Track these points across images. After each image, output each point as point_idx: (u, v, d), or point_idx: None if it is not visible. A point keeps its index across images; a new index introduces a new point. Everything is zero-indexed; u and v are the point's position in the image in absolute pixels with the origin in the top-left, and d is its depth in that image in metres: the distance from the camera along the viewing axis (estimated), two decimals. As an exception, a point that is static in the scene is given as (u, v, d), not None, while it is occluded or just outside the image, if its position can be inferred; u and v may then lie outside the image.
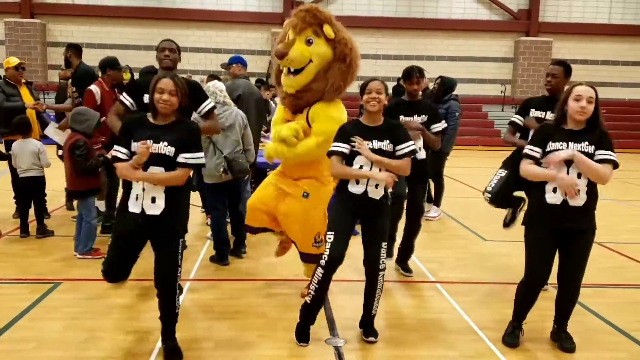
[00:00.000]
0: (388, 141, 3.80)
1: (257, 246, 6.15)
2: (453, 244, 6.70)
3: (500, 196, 4.93)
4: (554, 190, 3.67)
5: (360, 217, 3.90)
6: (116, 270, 3.67)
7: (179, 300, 3.61)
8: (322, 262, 3.78)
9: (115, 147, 3.47)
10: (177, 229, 3.50)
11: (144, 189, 3.40)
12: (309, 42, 4.34)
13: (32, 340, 3.80)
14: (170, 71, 4.68)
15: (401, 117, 5.08)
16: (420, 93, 5.47)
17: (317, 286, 3.83)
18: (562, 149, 3.64)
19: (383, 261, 3.86)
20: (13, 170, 6.75)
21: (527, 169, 3.78)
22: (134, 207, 3.43)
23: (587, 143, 3.65)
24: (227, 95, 5.75)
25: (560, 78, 4.73)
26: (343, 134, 3.82)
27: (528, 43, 23.70)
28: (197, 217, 7.42)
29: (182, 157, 3.41)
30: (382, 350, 3.85)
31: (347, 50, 4.37)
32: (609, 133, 3.76)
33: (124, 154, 3.43)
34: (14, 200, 7.30)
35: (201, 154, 3.50)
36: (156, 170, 3.38)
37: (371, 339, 3.92)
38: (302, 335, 3.91)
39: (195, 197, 7.05)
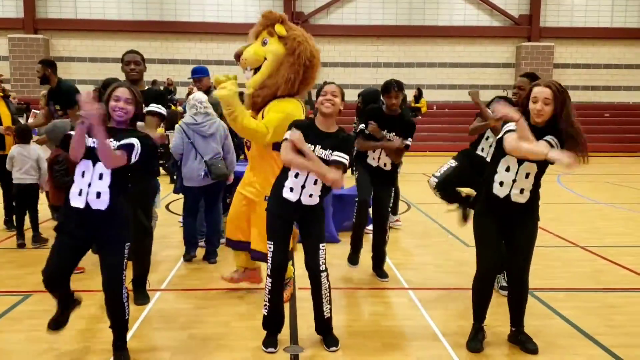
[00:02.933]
0: (330, 151, 3.77)
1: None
2: (435, 250, 6.67)
3: (446, 185, 5.02)
4: (501, 184, 3.72)
5: (297, 221, 3.93)
6: (57, 276, 3.52)
7: (128, 307, 3.61)
8: (268, 271, 3.85)
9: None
10: (118, 233, 3.50)
11: (89, 184, 3.42)
12: (264, 43, 4.64)
13: (-9, 352, 3.84)
14: (136, 83, 4.75)
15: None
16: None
17: (269, 296, 3.89)
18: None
19: (323, 262, 3.86)
20: (3, 178, 6.79)
21: (509, 141, 3.62)
22: (77, 202, 3.42)
23: (551, 137, 3.62)
24: (211, 106, 6.03)
25: (526, 90, 4.73)
26: (294, 127, 3.81)
27: (530, 48, 23.63)
28: (175, 228, 7.43)
29: (121, 141, 3.45)
30: (339, 358, 3.82)
31: (296, 44, 4.56)
32: (581, 134, 3.65)
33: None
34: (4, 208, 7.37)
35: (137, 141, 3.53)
36: (101, 166, 3.42)
37: (333, 348, 3.90)
38: (269, 343, 3.91)
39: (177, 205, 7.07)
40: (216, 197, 6.14)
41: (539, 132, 3.64)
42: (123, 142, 3.43)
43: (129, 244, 3.54)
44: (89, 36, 22.83)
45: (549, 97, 3.60)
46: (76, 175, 3.46)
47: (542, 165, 3.70)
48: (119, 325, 3.61)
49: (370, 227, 7.36)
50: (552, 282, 5.42)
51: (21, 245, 6.51)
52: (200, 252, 6.18)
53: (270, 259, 3.84)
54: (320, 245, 3.85)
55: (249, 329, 4.21)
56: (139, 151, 3.46)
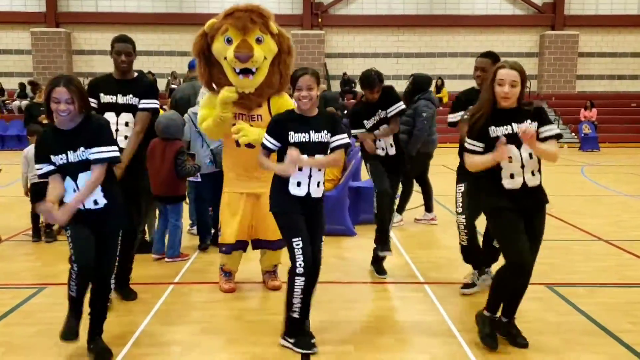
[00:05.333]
0: (326, 131, 3.74)
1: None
2: (451, 244, 6.52)
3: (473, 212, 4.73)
4: (512, 176, 3.60)
5: (305, 215, 3.79)
6: (91, 259, 3.47)
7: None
8: (300, 270, 3.63)
9: (37, 166, 3.47)
10: (117, 222, 3.59)
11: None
12: (258, 41, 4.51)
13: (1, 346, 3.82)
14: (125, 74, 4.55)
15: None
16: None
17: (302, 297, 3.68)
18: (508, 132, 3.56)
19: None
20: None
21: (472, 161, 3.67)
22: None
23: (529, 121, 3.57)
24: None
25: (489, 71, 4.58)
26: (277, 127, 3.73)
27: (554, 37, 23.24)
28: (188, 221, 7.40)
29: (95, 154, 3.41)
30: (351, 354, 3.74)
31: (289, 41, 4.64)
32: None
33: (49, 166, 3.44)
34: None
35: (113, 147, 3.49)
36: (85, 177, 3.42)
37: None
38: (305, 344, 3.74)
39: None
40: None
41: (513, 114, 3.58)
42: (94, 157, 3.41)
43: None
44: (109, 29, 22.88)
45: (516, 79, 3.54)
46: (66, 192, 3.47)
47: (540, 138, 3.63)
48: (104, 313, 3.68)
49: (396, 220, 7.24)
50: (573, 277, 5.27)
51: (36, 241, 6.53)
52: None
53: (301, 256, 3.63)
54: (322, 237, 3.86)
55: (261, 324, 4.16)
56: (113, 154, 3.48)
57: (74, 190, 3.43)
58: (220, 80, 4.66)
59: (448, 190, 8.11)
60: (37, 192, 6.42)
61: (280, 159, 3.74)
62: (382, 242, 5.27)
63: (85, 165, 3.42)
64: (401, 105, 5.28)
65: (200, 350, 3.78)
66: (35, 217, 6.55)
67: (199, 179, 6.18)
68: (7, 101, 21.82)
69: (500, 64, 3.64)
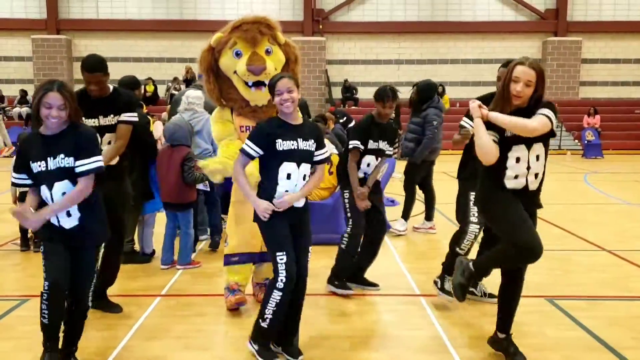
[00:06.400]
0: (312, 140, 3.62)
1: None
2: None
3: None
4: (516, 177, 3.44)
5: (290, 225, 3.64)
6: (63, 276, 3.30)
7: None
8: (280, 285, 3.49)
9: (15, 175, 3.34)
10: (93, 237, 3.46)
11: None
12: (267, 52, 4.45)
13: (-24, 361, 3.68)
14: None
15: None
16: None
17: (275, 309, 3.53)
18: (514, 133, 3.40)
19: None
20: None
21: (477, 143, 3.42)
22: (52, 219, 3.33)
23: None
24: (199, 103, 6.08)
25: None
26: (263, 134, 3.57)
27: (556, 43, 23.10)
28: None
29: (82, 165, 3.27)
30: (340, 371, 3.59)
31: (296, 51, 4.59)
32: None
33: (25, 179, 3.32)
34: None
35: (98, 157, 3.34)
36: (60, 186, 3.26)
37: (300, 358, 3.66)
38: (267, 356, 3.63)
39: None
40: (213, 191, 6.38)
41: (527, 114, 3.38)
42: (81, 169, 3.27)
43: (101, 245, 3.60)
44: (110, 36, 22.94)
45: (532, 79, 3.34)
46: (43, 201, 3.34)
47: (546, 143, 3.47)
48: (79, 331, 3.53)
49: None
50: (574, 289, 5.09)
51: (25, 250, 6.39)
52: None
53: (284, 272, 3.49)
54: (309, 248, 3.72)
55: (246, 340, 3.99)
56: (99, 163, 3.33)
57: (48, 200, 3.29)
58: (230, 94, 4.55)
59: (448, 198, 7.98)
60: (25, 200, 6.29)
61: (266, 168, 3.61)
62: (341, 279, 5.01)
63: (62, 173, 3.26)
64: (396, 147, 5.34)
65: (182, 367, 3.62)
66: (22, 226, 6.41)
67: (208, 188, 6.19)
68: (7, 108, 21.75)
69: (520, 60, 3.42)
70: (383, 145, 5.00)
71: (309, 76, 23.03)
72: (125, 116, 4.35)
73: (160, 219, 6.15)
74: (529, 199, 3.50)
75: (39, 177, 3.28)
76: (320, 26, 23.21)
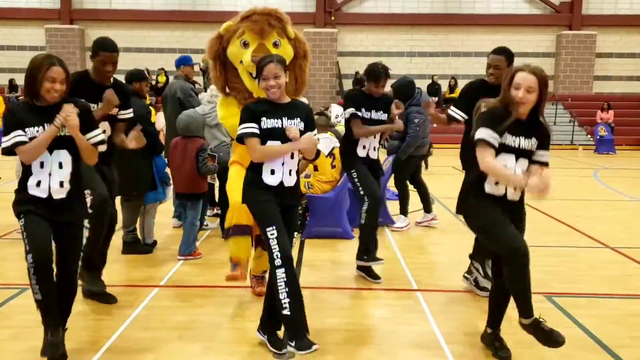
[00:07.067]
0: (299, 119, 3.64)
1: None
2: (452, 248, 6.32)
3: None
4: (496, 182, 3.39)
5: (279, 207, 3.65)
6: (47, 249, 3.29)
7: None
8: (278, 262, 3.50)
9: (6, 138, 3.31)
10: (80, 210, 3.54)
11: (50, 174, 3.35)
12: (275, 45, 4.42)
13: (-27, 349, 3.71)
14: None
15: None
16: None
17: (288, 289, 3.52)
18: (516, 146, 3.34)
19: None
20: None
21: (489, 162, 3.28)
22: (38, 192, 3.35)
23: (534, 140, 3.38)
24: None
25: (503, 69, 4.46)
26: (249, 112, 3.59)
27: (570, 37, 22.84)
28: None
29: (92, 137, 3.47)
30: (329, 366, 3.58)
31: (305, 46, 4.53)
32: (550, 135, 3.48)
33: (22, 135, 3.30)
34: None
35: (98, 131, 3.51)
36: (59, 155, 3.37)
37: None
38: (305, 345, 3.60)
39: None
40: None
41: (522, 127, 3.35)
42: (96, 139, 3.49)
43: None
44: (122, 26, 22.99)
45: (534, 85, 3.29)
46: (34, 167, 3.34)
47: (531, 159, 3.43)
48: (69, 308, 3.59)
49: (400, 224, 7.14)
50: (575, 287, 5.05)
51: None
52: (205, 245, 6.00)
53: (277, 246, 3.51)
54: (295, 232, 3.77)
55: (242, 332, 4.01)
56: (101, 137, 3.56)
57: (44, 167, 3.33)
58: (235, 84, 4.57)
59: (452, 193, 7.89)
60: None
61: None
62: (373, 251, 5.09)
63: (62, 142, 3.34)
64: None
65: (175, 358, 3.63)
66: None
67: (215, 181, 6.31)
68: (19, 97, 21.92)
69: (520, 66, 3.38)
70: (378, 115, 5.08)
71: (320, 68, 22.97)
72: (123, 114, 4.46)
73: (161, 210, 6.18)
74: (511, 209, 3.44)
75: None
76: (333, 18, 23.12)
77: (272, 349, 3.63)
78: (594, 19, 22.90)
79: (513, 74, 3.34)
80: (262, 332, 3.73)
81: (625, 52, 23.20)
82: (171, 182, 6.01)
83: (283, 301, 3.54)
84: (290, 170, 3.66)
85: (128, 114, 4.48)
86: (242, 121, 3.60)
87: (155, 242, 6.10)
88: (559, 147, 19.05)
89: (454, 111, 4.76)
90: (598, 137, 19.31)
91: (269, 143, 3.56)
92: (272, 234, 3.53)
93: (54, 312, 3.38)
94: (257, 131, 3.56)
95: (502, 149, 3.34)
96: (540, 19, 23.26)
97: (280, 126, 3.56)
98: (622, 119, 20.91)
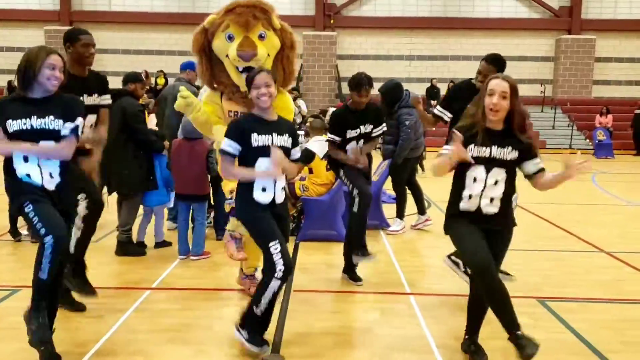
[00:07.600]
0: (287, 136, 3.64)
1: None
2: (447, 251, 6.25)
3: None
4: (469, 197, 3.39)
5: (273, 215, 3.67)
6: (65, 227, 3.36)
7: None
8: (279, 274, 3.48)
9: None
10: (70, 199, 3.60)
11: (39, 166, 3.35)
12: (261, 37, 4.35)
13: (-38, 351, 3.70)
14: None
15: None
16: None
17: (271, 298, 3.54)
18: (485, 156, 3.35)
19: None
20: None
21: (432, 163, 3.46)
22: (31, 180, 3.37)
23: (510, 148, 3.35)
24: None
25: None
26: (238, 129, 3.57)
27: (570, 41, 22.82)
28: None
29: (66, 128, 3.38)
30: (319, 369, 3.57)
31: (292, 36, 4.50)
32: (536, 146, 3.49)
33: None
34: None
35: (79, 119, 3.46)
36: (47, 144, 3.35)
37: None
38: (259, 341, 3.63)
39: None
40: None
41: (495, 137, 3.36)
42: (72, 125, 3.39)
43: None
44: (122, 28, 23.00)
45: (507, 90, 3.31)
46: (16, 159, 3.35)
47: (511, 170, 3.40)
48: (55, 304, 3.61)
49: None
50: (567, 291, 5.03)
51: (19, 240, 6.41)
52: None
53: (281, 260, 3.48)
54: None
55: (232, 334, 3.97)
56: (78, 122, 3.44)
57: (26, 161, 3.34)
58: (222, 78, 4.52)
59: (447, 196, 7.85)
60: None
61: (242, 164, 3.60)
62: (363, 246, 5.07)
63: (48, 134, 3.33)
64: (384, 127, 5.32)
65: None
66: (12, 215, 6.43)
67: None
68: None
69: (493, 75, 3.46)
70: (366, 128, 5.08)
71: (319, 71, 22.97)
72: (105, 99, 4.48)
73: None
74: (488, 222, 3.41)
75: (18, 135, 3.29)
76: (332, 21, 23.12)
77: (251, 347, 3.63)
78: (593, 23, 22.89)
79: (487, 82, 3.39)
80: (242, 330, 3.69)
81: (624, 56, 23.19)
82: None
83: (261, 304, 3.56)
84: (282, 187, 3.66)
85: (107, 99, 4.50)
86: (227, 135, 3.57)
87: (144, 244, 6.07)
88: (557, 152, 19.03)
89: (440, 111, 4.83)
90: (597, 141, 19.30)
91: (260, 160, 3.54)
92: (275, 249, 3.51)
93: (52, 300, 3.45)
94: (235, 152, 3.55)
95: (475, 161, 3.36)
96: (540, 23, 23.26)
97: (271, 143, 3.55)
98: (620, 123, 20.89)
